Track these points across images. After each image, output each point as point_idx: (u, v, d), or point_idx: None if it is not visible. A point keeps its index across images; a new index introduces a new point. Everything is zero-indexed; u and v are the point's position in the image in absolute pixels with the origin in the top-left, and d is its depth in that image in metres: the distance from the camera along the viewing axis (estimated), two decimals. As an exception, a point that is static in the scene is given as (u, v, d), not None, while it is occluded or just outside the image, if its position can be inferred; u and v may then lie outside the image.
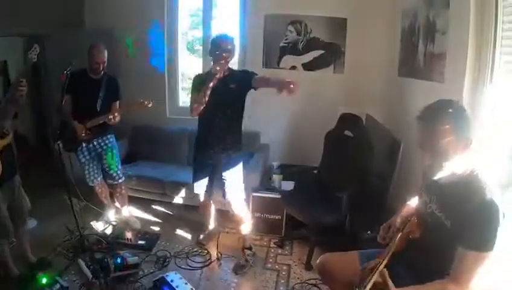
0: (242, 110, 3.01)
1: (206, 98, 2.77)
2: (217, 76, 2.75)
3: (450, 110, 1.46)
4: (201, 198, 3.30)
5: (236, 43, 4.24)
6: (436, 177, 1.56)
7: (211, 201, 3.37)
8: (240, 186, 3.11)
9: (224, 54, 2.79)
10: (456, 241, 1.46)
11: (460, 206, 1.47)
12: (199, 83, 2.88)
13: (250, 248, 3.26)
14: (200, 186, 3.19)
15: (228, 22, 4.64)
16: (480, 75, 2.22)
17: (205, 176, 3.14)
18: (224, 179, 3.03)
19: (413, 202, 1.95)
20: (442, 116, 1.46)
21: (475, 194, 1.45)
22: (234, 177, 3.05)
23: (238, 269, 3.09)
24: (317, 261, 2.15)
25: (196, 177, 3.17)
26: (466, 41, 2.23)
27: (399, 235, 1.77)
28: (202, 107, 2.81)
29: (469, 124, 1.46)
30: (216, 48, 2.82)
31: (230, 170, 3.02)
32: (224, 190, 3.07)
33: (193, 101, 2.88)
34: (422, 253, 1.66)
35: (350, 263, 1.98)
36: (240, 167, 3.08)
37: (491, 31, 2.13)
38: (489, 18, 2.13)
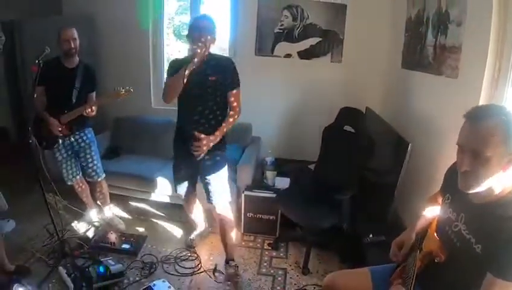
0: (225, 105, 2.67)
1: (182, 85, 2.46)
2: (197, 59, 2.43)
3: (503, 117, 1.26)
4: (185, 199, 3.05)
5: (227, 28, 4.04)
6: (469, 191, 1.36)
7: (197, 200, 3.13)
8: (225, 188, 2.80)
9: (202, 35, 2.45)
10: (486, 268, 1.28)
11: (495, 231, 1.28)
12: (177, 68, 2.53)
13: (233, 259, 2.98)
14: (183, 187, 2.92)
15: (218, 6, 4.34)
16: (500, 74, 2.03)
17: (188, 177, 2.87)
18: (208, 181, 2.73)
19: (430, 213, 1.76)
20: (493, 120, 1.26)
21: None
22: (219, 179, 2.74)
23: (236, 278, 2.87)
24: (324, 280, 1.96)
25: (178, 179, 2.91)
26: (486, 35, 2.03)
27: (418, 254, 1.60)
28: (177, 95, 2.56)
29: None
30: (193, 28, 2.51)
31: (215, 171, 2.72)
32: (208, 193, 2.77)
33: (167, 85, 2.60)
34: (443, 277, 1.49)
35: (361, 283, 1.81)
36: (225, 168, 2.78)
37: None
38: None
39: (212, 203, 2.80)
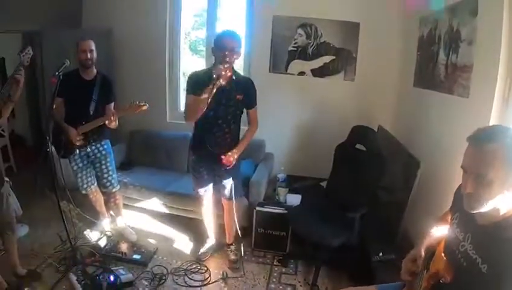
0: (239, 119, 2.89)
1: (206, 106, 2.50)
2: (221, 82, 2.45)
3: (508, 139, 1.25)
4: (205, 203, 3.16)
5: (242, 45, 4.12)
6: (473, 212, 1.36)
7: (213, 209, 3.23)
8: (238, 187, 3.04)
9: (229, 55, 2.52)
10: (491, 288, 1.27)
11: (500, 252, 1.27)
12: (197, 83, 2.62)
13: (232, 244, 3.27)
14: (202, 188, 3.07)
15: (233, 23, 4.47)
16: (511, 94, 2.04)
17: (207, 179, 3.03)
18: (225, 182, 2.97)
19: (438, 232, 1.75)
20: (497, 143, 1.25)
21: None
22: (235, 181, 2.98)
23: (233, 264, 3.13)
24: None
25: (198, 181, 3.06)
26: (497, 53, 2.05)
27: (425, 274, 1.58)
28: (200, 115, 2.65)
29: None
30: (221, 47, 2.55)
31: (232, 174, 2.94)
32: (224, 189, 3.00)
33: (190, 107, 2.67)
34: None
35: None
36: (239, 171, 3.09)
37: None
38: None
39: (225, 197, 3.03)
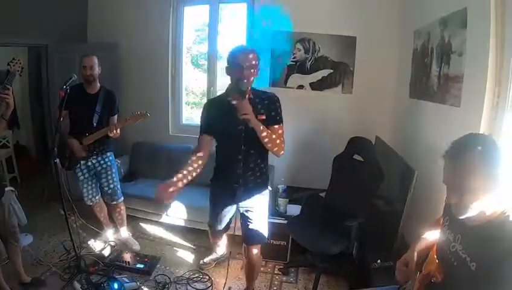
0: None
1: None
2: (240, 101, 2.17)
3: (479, 147, 1.32)
4: (216, 231, 2.84)
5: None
6: (462, 217, 1.43)
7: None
8: (264, 228, 2.63)
9: (246, 72, 2.20)
10: (480, 285, 1.33)
11: (488, 251, 1.33)
12: (212, 114, 2.39)
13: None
14: (220, 224, 2.74)
15: (234, 38, 4.58)
16: (500, 101, 2.11)
17: (227, 213, 2.68)
18: (248, 221, 2.56)
19: (430, 236, 1.81)
20: (471, 153, 1.32)
21: (506, 238, 1.32)
22: (260, 218, 2.59)
23: None
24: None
25: (215, 218, 2.73)
26: (485, 63, 2.12)
27: (418, 275, 1.65)
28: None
29: (500, 161, 1.33)
30: (237, 64, 2.21)
31: (257, 208, 2.57)
32: (246, 232, 2.60)
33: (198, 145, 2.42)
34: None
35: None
36: (266, 205, 2.65)
37: (513, 53, 2.02)
38: (510, 39, 2.02)
39: (248, 242, 2.64)
